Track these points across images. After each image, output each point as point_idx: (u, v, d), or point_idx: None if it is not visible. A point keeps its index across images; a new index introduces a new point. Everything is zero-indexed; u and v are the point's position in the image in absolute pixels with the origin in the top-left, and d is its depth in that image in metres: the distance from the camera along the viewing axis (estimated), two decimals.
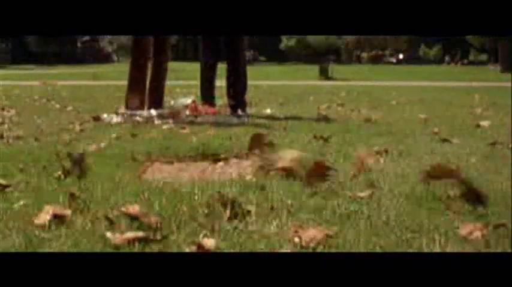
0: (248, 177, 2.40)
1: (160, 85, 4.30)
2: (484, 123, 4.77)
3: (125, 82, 4.75)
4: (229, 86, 4.95)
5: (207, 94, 5.12)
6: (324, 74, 21.97)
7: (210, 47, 4.88)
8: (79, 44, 69.66)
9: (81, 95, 9.54)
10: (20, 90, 11.71)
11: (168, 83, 5.18)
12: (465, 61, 59.27)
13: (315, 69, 24.54)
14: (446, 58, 57.48)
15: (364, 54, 60.43)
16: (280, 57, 70.49)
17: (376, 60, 58.37)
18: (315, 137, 3.65)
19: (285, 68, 38.34)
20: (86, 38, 66.44)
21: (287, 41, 63.42)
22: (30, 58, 57.28)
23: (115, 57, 61.08)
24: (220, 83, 5.42)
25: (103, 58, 56.37)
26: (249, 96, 5.68)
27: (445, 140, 3.81)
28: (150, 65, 4.26)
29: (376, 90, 12.96)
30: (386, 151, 3.17)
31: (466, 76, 24.87)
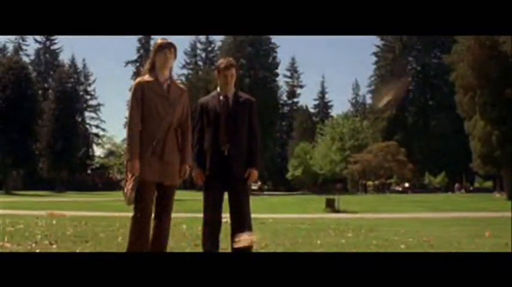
0: None
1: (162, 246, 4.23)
2: None
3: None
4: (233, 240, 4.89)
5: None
6: (331, 206, 21.94)
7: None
8: (89, 171, 70.83)
9: (86, 233, 9.47)
10: (24, 224, 11.68)
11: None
12: (471, 188, 59.53)
13: (321, 200, 24.51)
14: (457, 185, 57.75)
15: (370, 183, 60.82)
16: (286, 185, 71.06)
17: (381, 189, 58.63)
18: None
19: (291, 199, 38.36)
20: (96, 165, 67.59)
21: (293, 171, 64.15)
22: (41, 185, 58.08)
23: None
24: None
25: (113, 185, 56.98)
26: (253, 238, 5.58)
27: None
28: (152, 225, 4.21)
29: (383, 227, 12.84)
30: None
31: (471, 205, 24.74)
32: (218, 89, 4.93)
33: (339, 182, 55.13)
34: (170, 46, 4.40)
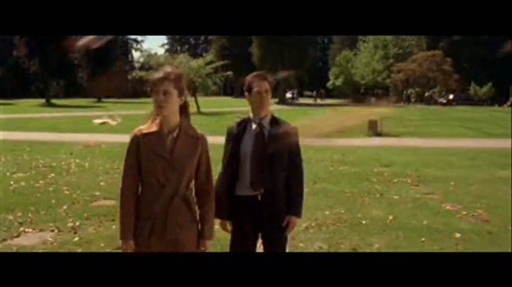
0: None
1: None
2: None
3: None
4: None
5: None
6: (373, 130, 21.24)
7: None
8: (129, 77, 71.00)
9: None
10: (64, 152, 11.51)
11: None
12: None
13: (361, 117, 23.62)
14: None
15: (413, 91, 59.17)
16: (327, 94, 69.93)
17: (425, 100, 57.08)
18: None
19: (331, 113, 37.56)
20: (134, 76, 67.55)
21: (334, 80, 62.74)
22: (81, 93, 58.76)
23: None
24: None
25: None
26: None
27: None
28: None
29: (429, 159, 12.23)
30: None
31: None
32: (250, 113, 3.87)
33: (378, 93, 53.71)
34: (169, 76, 3.12)
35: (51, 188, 9.51)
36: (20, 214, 7.40)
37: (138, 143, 3.14)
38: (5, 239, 6.21)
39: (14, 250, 5.78)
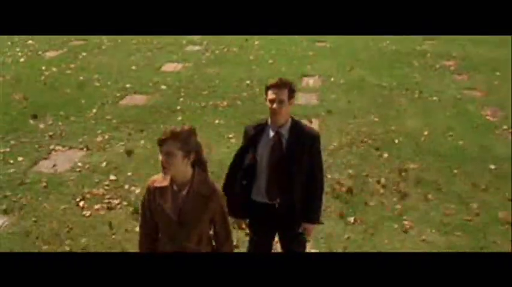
0: None
1: None
2: None
3: None
4: None
5: None
6: None
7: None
8: None
9: None
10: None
11: None
12: None
13: None
14: None
15: None
16: None
17: None
18: None
19: None
20: None
21: None
22: None
23: None
24: None
25: None
26: None
27: None
28: None
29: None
30: None
31: None
32: (269, 119, 3.55)
33: None
34: (172, 137, 2.80)
35: (81, 77, 9.41)
36: (50, 122, 7.44)
37: (149, 195, 2.97)
38: (35, 163, 6.31)
39: (44, 182, 5.89)
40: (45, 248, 4.76)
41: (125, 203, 5.51)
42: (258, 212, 3.66)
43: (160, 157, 2.81)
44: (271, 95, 3.42)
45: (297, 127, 3.53)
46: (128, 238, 4.92)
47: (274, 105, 3.41)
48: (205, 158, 2.97)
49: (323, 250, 4.78)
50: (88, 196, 5.62)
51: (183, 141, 2.80)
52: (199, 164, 2.91)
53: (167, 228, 2.96)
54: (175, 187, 2.90)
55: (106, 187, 5.81)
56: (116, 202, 5.54)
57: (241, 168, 3.59)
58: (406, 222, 5.26)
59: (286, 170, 3.49)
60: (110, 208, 5.42)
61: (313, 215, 3.69)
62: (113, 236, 4.97)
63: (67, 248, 4.78)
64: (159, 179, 2.95)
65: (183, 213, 2.87)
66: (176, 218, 2.88)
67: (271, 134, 3.51)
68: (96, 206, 5.44)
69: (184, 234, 2.92)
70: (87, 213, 5.33)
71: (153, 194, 2.94)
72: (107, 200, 5.56)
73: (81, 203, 5.48)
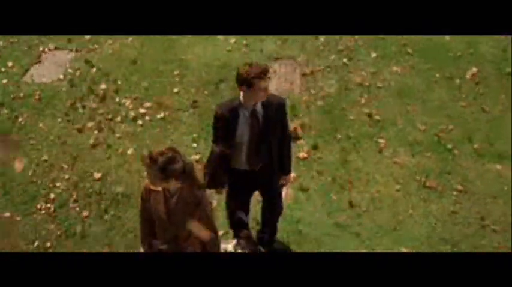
0: None
1: None
2: None
3: None
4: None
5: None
6: None
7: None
8: None
9: None
10: None
11: None
12: None
13: None
14: None
15: None
16: None
17: None
18: None
19: None
20: None
21: None
22: None
23: None
24: None
25: None
26: None
27: None
28: None
29: None
30: None
31: None
32: (242, 99, 3.73)
33: None
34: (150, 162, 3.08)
35: None
36: None
37: (146, 196, 3.35)
38: (27, 70, 6.41)
39: (37, 90, 6.07)
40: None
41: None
42: (239, 178, 4.04)
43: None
44: (264, 83, 3.60)
45: (268, 100, 3.77)
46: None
47: (264, 94, 3.66)
48: (195, 173, 3.24)
49: (297, 173, 5.18)
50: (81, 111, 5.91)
51: (160, 170, 3.05)
52: (187, 178, 3.17)
53: (160, 225, 3.36)
54: (167, 193, 3.24)
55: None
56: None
57: (221, 148, 3.84)
58: (381, 140, 5.59)
59: (265, 140, 3.84)
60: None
61: (288, 168, 4.14)
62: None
63: (66, 176, 5.22)
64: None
65: (173, 215, 3.26)
66: (167, 219, 3.27)
67: (247, 114, 3.76)
68: (89, 124, 5.76)
69: (174, 232, 3.33)
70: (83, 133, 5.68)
71: (149, 196, 3.32)
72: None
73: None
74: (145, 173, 3.34)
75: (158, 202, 3.26)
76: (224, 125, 3.78)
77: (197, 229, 3.31)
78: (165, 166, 3.04)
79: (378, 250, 4.64)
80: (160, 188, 3.23)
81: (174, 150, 3.14)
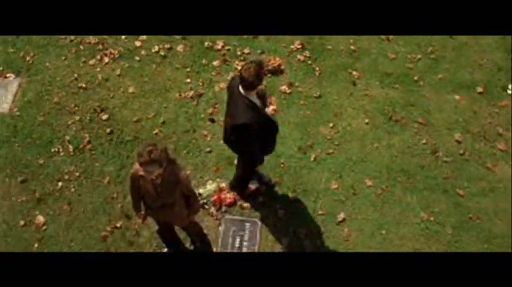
0: None
1: None
2: None
3: None
4: None
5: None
6: None
7: None
8: None
9: None
10: None
11: None
12: None
13: None
14: None
15: None
16: None
17: None
18: None
19: None
20: None
21: None
22: None
23: None
24: None
25: None
26: None
27: None
28: None
29: None
30: None
31: None
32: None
33: None
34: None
35: None
36: None
37: (134, 180, 4.22)
38: None
39: None
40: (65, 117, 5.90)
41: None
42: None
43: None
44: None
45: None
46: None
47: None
48: (173, 156, 4.16)
49: (280, 107, 5.79)
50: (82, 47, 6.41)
51: (159, 162, 3.87)
52: (168, 161, 4.04)
53: (149, 197, 4.29)
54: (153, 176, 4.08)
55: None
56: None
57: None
58: (355, 72, 6.19)
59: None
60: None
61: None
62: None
63: (77, 117, 5.90)
64: (140, 170, 4.05)
65: (161, 191, 4.16)
66: (155, 195, 4.19)
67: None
68: (91, 61, 6.30)
69: (161, 201, 4.27)
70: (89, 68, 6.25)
71: (137, 179, 4.19)
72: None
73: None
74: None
75: (147, 183, 4.13)
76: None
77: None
78: (162, 154, 3.88)
79: (348, 182, 5.50)
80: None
81: (154, 144, 3.92)
